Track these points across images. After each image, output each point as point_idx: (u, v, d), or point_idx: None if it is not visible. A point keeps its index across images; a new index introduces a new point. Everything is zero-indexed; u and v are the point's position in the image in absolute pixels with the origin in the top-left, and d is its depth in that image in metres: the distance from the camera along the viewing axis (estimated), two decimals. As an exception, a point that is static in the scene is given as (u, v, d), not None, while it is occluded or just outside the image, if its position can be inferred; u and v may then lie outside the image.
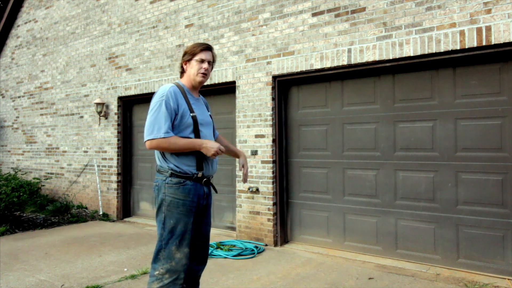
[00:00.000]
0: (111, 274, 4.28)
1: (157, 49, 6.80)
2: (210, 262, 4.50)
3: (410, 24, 4.30)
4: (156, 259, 2.52)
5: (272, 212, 5.32)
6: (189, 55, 2.65)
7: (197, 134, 2.58)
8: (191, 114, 2.56)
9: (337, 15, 4.81)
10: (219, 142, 2.94)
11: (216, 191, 2.87)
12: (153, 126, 2.46)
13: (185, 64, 2.69)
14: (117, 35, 7.49)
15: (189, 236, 2.52)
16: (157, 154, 2.63)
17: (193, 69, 2.63)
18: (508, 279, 3.90)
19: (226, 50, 5.87)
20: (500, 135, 4.02)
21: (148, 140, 2.47)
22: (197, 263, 2.72)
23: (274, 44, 5.35)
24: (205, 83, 5.98)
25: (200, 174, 2.58)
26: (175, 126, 2.52)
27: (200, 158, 2.58)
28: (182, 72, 2.72)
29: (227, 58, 5.86)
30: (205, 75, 2.65)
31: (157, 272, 2.49)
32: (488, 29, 3.84)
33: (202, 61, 2.63)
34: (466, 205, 4.19)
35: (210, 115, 2.82)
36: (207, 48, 2.66)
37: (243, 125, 5.64)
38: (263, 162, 5.41)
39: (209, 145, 2.50)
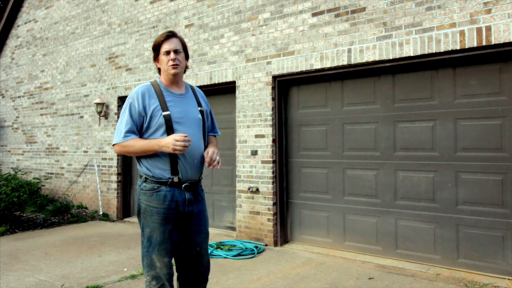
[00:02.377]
0: (111, 274, 4.28)
1: (157, 49, 6.78)
2: (210, 262, 4.50)
3: (410, 24, 4.30)
4: (143, 265, 2.44)
5: (272, 212, 5.32)
6: (155, 50, 2.45)
7: (170, 134, 2.31)
8: (163, 113, 2.33)
9: (337, 15, 4.81)
10: (209, 143, 2.64)
11: (202, 198, 2.55)
12: (116, 131, 2.37)
13: (156, 62, 2.49)
14: (117, 35, 7.49)
15: (167, 245, 2.36)
16: (135, 157, 2.49)
17: (163, 64, 2.42)
18: (508, 279, 3.90)
19: (226, 50, 5.87)
20: (500, 135, 4.02)
21: (113, 145, 2.40)
22: (196, 281, 2.50)
23: (274, 44, 5.35)
24: (205, 83, 6.03)
25: (176, 179, 2.35)
26: (145, 128, 2.36)
27: (174, 160, 2.34)
28: (158, 69, 2.52)
29: (227, 58, 5.86)
30: (176, 65, 2.40)
31: (145, 279, 2.42)
32: (488, 29, 3.84)
33: (167, 53, 2.40)
34: (466, 205, 4.19)
35: (201, 111, 2.53)
36: (169, 36, 2.42)
37: (243, 125, 5.64)
38: (263, 162, 5.41)
39: (165, 142, 2.24)
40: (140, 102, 2.35)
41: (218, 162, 2.43)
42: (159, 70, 2.51)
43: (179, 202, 2.38)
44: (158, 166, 2.36)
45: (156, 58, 2.48)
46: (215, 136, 2.75)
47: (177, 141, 2.22)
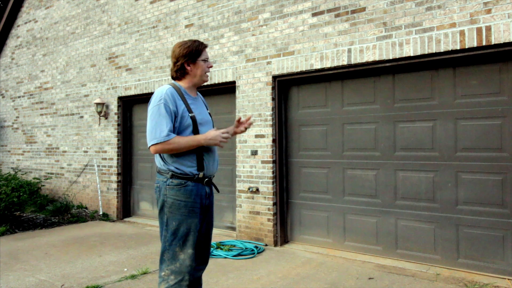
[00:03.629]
0: (111, 274, 4.28)
1: (157, 49, 6.80)
2: (210, 262, 4.49)
3: (410, 24, 4.30)
4: (161, 260, 2.52)
5: (272, 212, 5.32)
6: (194, 55, 2.58)
7: (196, 134, 2.54)
8: (190, 115, 2.53)
9: (337, 15, 4.81)
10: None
11: (218, 191, 2.83)
12: (155, 131, 2.42)
13: (189, 65, 2.60)
14: (117, 35, 7.49)
15: (193, 237, 2.49)
16: (156, 155, 2.60)
17: (200, 69, 2.61)
18: (508, 279, 3.90)
19: (226, 50, 5.87)
20: (500, 135, 4.02)
21: (152, 145, 2.44)
22: (198, 262, 2.70)
23: (274, 44, 5.35)
24: (205, 83, 6.02)
25: (201, 175, 2.55)
26: (175, 128, 2.49)
27: (200, 158, 2.55)
28: (183, 73, 2.62)
29: (227, 58, 5.86)
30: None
31: (163, 273, 2.49)
32: (488, 29, 3.84)
33: (205, 60, 2.63)
34: (466, 205, 4.19)
35: (209, 113, 2.79)
36: (206, 46, 2.70)
37: (243, 125, 5.63)
38: (263, 162, 5.41)
39: (211, 136, 2.49)
40: (173, 103, 2.49)
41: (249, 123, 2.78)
42: (182, 72, 2.62)
43: (202, 196, 2.58)
44: (186, 164, 2.52)
45: (192, 62, 2.60)
46: None
47: (224, 134, 2.53)
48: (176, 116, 2.48)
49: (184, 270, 2.46)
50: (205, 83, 5.98)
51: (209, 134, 2.50)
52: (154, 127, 2.43)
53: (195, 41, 2.62)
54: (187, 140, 2.46)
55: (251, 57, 5.58)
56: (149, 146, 2.46)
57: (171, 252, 2.47)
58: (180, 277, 2.45)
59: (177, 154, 2.51)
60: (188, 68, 2.60)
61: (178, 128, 2.50)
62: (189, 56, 2.57)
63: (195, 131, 2.53)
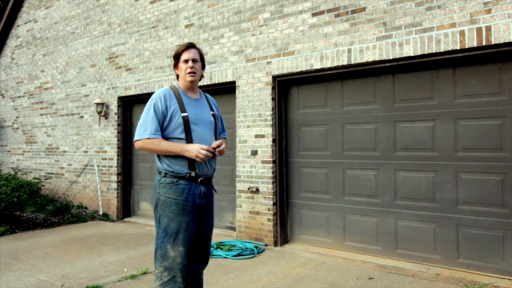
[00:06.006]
0: (111, 274, 4.28)
1: (157, 49, 6.80)
2: (210, 262, 4.49)
3: (410, 24, 4.30)
4: (155, 257, 2.59)
5: (272, 212, 5.32)
6: (175, 59, 2.74)
7: (188, 133, 2.59)
8: (182, 114, 2.59)
9: (337, 15, 4.81)
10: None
11: (215, 191, 2.86)
12: (140, 128, 2.58)
13: (176, 69, 2.77)
14: (117, 35, 7.49)
15: (184, 235, 2.53)
16: (155, 155, 2.70)
17: (182, 71, 2.70)
18: (508, 279, 3.90)
19: (226, 50, 5.87)
20: (500, 135, 4.02)
21: (135, 140, 2.60)
22: (196, 262, 2.73)
23: (274, 44, 5.35)
24: (205, 83, 6.04)
25: (193, 174, 2.59)
26: (165, 127, 2.60)
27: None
28: (177, 75, 2.80)
29: (227, 58, 5.86)
30: (193, 73, 2.68)
31: (157, 271, 2.55)
32: (488, 29, 3.84)
33: (186, 61, 2.68)
34: (466, 205, 4.19)
35: (213, 115, 2.80)
36: (188, 47, 2.71)
37: (243, 125, 5.64)
38: (263, 162, 5.41)
39: (189, 148, 2.50)
40: (162, 103, 2.59)
41: (220, 150, 2.62)
42: (177, 76, 2.79)
43: (195, 195, 2.60)
44: (178, 162, 2.58)
45: (176, 65, 2.75)
46: (225, 138, 3.04)
47: (202, 149, 2.49)
48: (166, 115, 2.59)
49: (175, 267, 2.50)
50: (205, 83, 6.05)
51: (188, 145, 2.52)
52: (141, 124, 2.58)
53: (181, 45, 2.74)
54: (166, 145, 2.54)
55: (251, 57, 5.58)
56: (134, 141, 2.60)
57: (163, 249, 2.53)
58: (173, 274, 2.50)
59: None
60: (176, 71, 2.78)
61: (167, 126, 2.59)
62: (174, 60, 2.75)
63: (187, 129, 2.59)
